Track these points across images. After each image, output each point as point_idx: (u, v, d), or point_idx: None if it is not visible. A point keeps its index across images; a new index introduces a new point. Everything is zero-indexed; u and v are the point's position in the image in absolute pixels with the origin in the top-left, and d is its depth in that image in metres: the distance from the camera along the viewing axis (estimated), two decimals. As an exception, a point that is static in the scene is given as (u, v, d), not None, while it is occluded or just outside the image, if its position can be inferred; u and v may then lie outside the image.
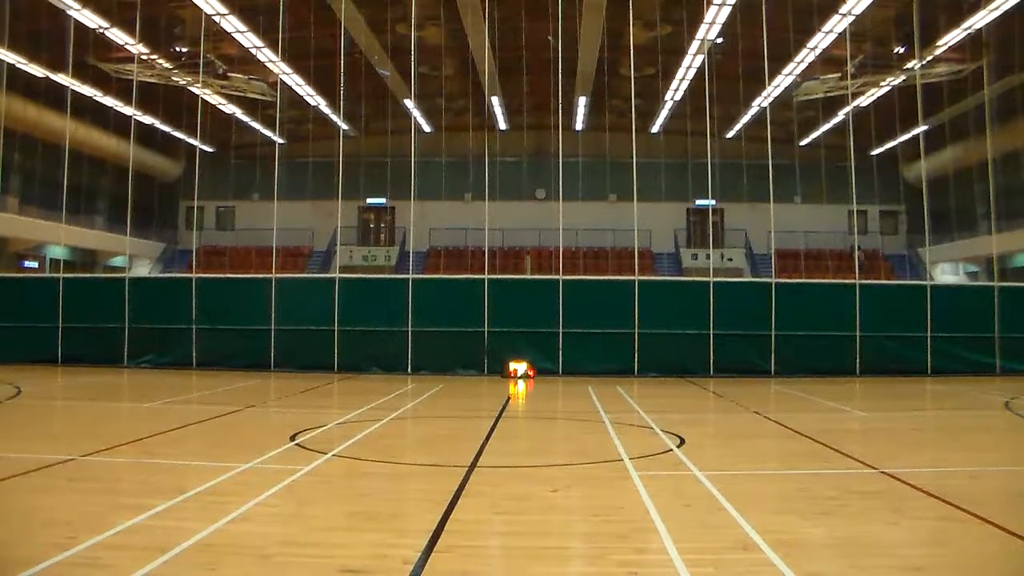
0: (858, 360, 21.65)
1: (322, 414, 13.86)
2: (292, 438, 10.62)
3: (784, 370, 21.41)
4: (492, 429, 12.17)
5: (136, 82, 27.19)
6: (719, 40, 28.33)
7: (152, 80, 31.57)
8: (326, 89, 32.99)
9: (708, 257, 32.48)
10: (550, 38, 26.80)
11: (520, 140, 37.66)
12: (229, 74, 32.36)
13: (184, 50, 31.19)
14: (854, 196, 26.41)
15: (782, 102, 34.04)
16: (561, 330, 21.87)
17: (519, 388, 19.53)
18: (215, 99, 34.69)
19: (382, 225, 43.07)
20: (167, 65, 31.21)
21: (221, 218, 42.78)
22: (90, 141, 32.53)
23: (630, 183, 23.62)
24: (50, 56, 28.82)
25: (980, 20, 25.70)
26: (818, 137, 38.04)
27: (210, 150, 38.22)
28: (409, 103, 33.04)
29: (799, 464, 9.59)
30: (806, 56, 29.42)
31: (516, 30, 28.93)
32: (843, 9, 25.11)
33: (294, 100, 35.02)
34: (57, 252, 32.64)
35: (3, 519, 6.50)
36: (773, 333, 21.70)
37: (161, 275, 36.15)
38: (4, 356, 21.48)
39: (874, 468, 8.81)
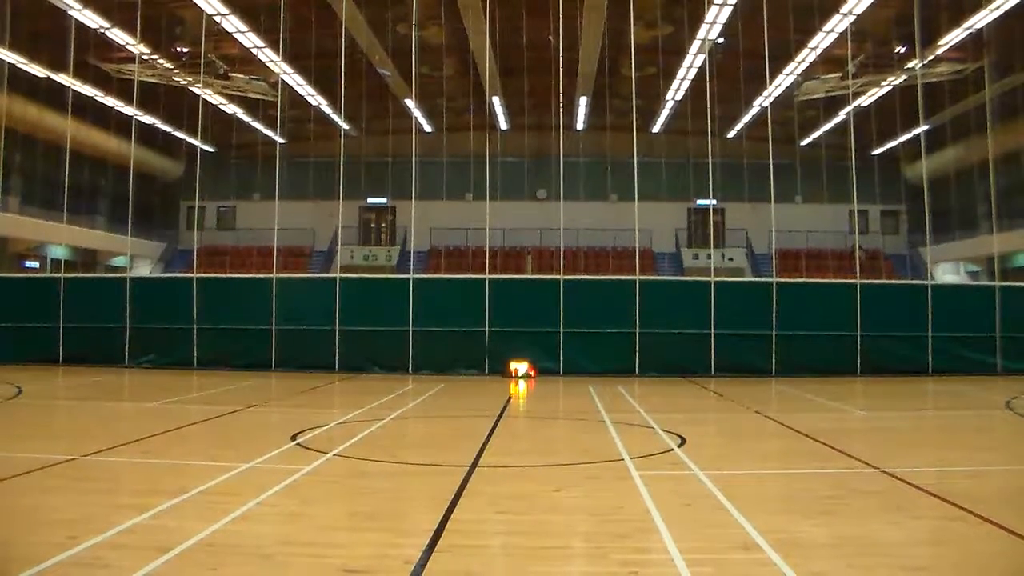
0: (859, 360, 21.62)
1: (323, 414, 13.87)
2: (293, 438, 10.63)
3: (785, 370, 21.38)
4: (493, 429, 12.17)
5: (137, 82, 27.20)
6: (720, 40, 28.32)
7: (153, 80, 31.59)
8: (327, 89, 33.00)
9: (709, 257, 32.45)
10: (551, 38, 26.80)
11: (521, 140, 37.66)
12: (230, 74, 32.38)
13: (185, 50, 31.23)
14: (855, 196, 26.37)
15: (783, 102, 34.04)
16: (562, 330, 21.86)
17: (520, 388, 19.53)
18: (216, 99, 34.71)
19: (383, 225, 43.08)
20: (168, 65, 31.23)
21: (222, 218, 42.79)
22: (91, 141, 32.56)
23: (631, 183, 23.62)
24: (51, 56, 28.85)
25: (981, 20, 25.69)
26: (819, 137, 38.06)
27: (211, 150, 38.22)
28: (410, 103, 33.04)
29: (800, 463, 9.59)
30: (807, 56, 29.43)
31: (517, 30, 28.93)
32: (844, 9, 25.11)
33: (295, 100, 35.03)
34: (58, 252, 32.65)
35: (4, 519, 6.51)
36: (774, 333, 21.67)
37: (162, 275, 36.17)
38: (5, 356, 21.48)
39: (875, 467, 8.81)
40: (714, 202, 34.73)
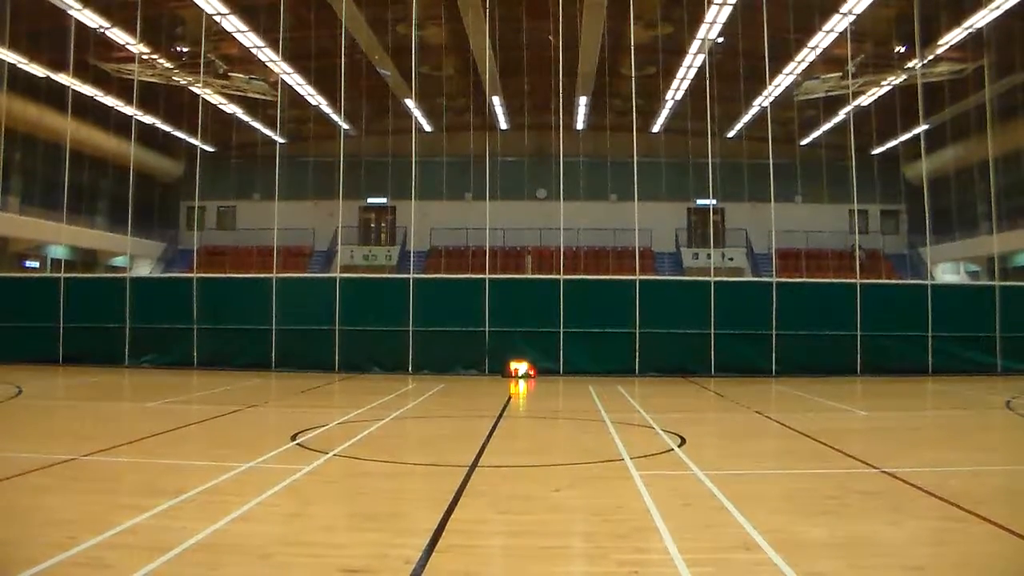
0: (859, 360, 21.62)
1: (323, 414, 13.86)
2: (293, 438, 10.62)
3: (785, 370, 21.38)
4: (493, 429, 12.17)
5: (137, 82, 27.20)
6: (720, 40, 28.33)
7: (153, 80, 31.60)
8: (327, 89, 33.01)
9: (709, 256, 32.47)
10: (550, 38, 26.81)
11: (521, 140, 37.65)
12: (230, 74, 32.39)
13: (185, 50, 31.25)
14: (855, 195, 26.39)
15: (783, 101, 34.04)
16: (562, 330, 21.86)
17: (520, 388, 19.53)
18: (216, 99, 34.72)
19: (383, 225, 43.09)
20: (168, 65, 31.24)
21: (222, 218, 42.80)
22: (91, 141, 32.56)
23: (631, 183, 23.62)
24: (51, 56, 28.85)
25: (981, 19, 25.71)
26: (819, 136, 38.07)
27: (211, 150, 38.23)
28: (410, 103, 33.05)
29: (800, 464, 9.59)
30: (807, 55, 29.46)
31: (517, 30, 28.94)
32: (844, 8, 25.12)
33: (295, 100, 35.04)
34: (58, 252, 32.66)
35: (4, 519, 6.51)
36: (774, 333, 21.68)
37: (162, 275, 36.19)
38: (5, 356, 21.48)
39: (875, 468, 8.81)
40: (714, 202, 34.79)
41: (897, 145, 36.35)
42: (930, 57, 28.73)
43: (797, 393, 17.95)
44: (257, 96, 34.62)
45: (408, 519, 6.92)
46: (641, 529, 6.45)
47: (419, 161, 24.93)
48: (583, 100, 35.96)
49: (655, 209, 34.16)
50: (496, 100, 35.70)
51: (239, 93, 34.55)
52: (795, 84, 32.44)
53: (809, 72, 31.53)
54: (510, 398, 17.46)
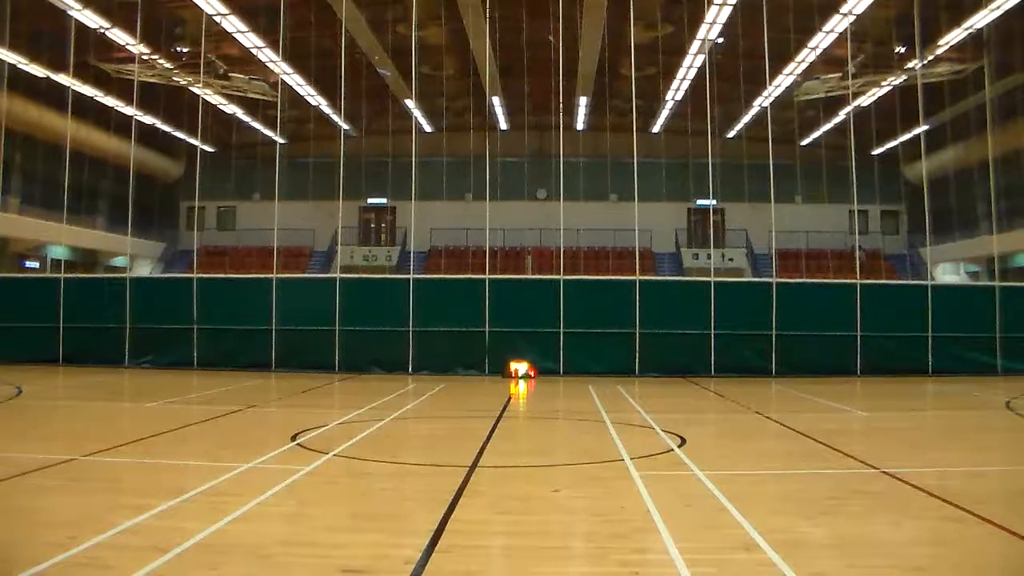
0: (859, 360, 21.62)
1: (323, 414, 13.87)
2: (293, 438, 10.63)
3: (785, 370, 21.38)
4: (493, 429, 12.17)
5: (137, 82, 27.21)
6: (720, 40, 28.33)
7: (153, 80, 31.59)
8: (327, 89, 33.00)
9: (709, 257, 32.47)
10: (551, 38, 26.81)
11: (521, 140, 37.65)
12: (230, 74, 32.39)
13: (185, 50, 31.24)
14: (855, 196, 26.38)
15: (783, 102, 34.03)
16: (562, 330, 21.86)
17: (520, 388, 19.53)
18: (216, 99, 34.71)
19: (383, 225, 43.07)
20: (168, 65, 31.24)
21: (222, 218, 42.76)
22: (91, 141, 32.52)
23: (631, 183, 23.63)
24: (51, 56, 28.84)
25: (981, 20, 25.71)
26: (819, 137, 38.04)
27: (211, 150, 38.20)
28: (410, 103, 33.05)
29: (800, 464, 9.58)
30: (807, 56, 29.44)
31: (517, 30, 28.94)
32: (844, 9, 25.11)
33: (295, 100, 35.04)
34: (58, 252, 32.62)
35: (4, 519, 6.51)
36: (774, 333, 21.68)
37: (162, 275, 36.18)
38: (5, 356, 21.48)
39: (875, 468, 8.81)
40: (714, 202, 34.74)
41: (897, 145, 36.30)
42: (930, 57, 28.73)
43: (797, 393, 17.96)
44: (257, 96, 34.61)
45: (408, 519, 6.92)
46: (641, 529, 6.45)
47: (419, 161, 24.93)
48: (583, 100, 35.94)
49: (655, 209, 34.12)
50: (496, 100, 35.69)
51: (239, 93, 34.55)
52: (795, 84, 32.44)
53: (809, 72, 31.52)
54: (510, 398, 17.46)
